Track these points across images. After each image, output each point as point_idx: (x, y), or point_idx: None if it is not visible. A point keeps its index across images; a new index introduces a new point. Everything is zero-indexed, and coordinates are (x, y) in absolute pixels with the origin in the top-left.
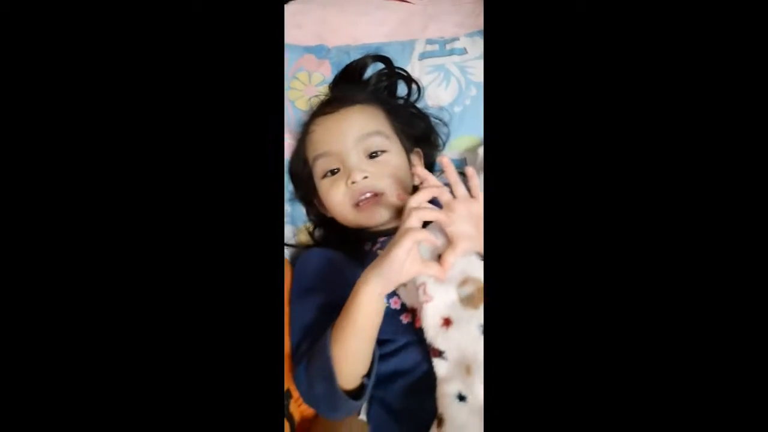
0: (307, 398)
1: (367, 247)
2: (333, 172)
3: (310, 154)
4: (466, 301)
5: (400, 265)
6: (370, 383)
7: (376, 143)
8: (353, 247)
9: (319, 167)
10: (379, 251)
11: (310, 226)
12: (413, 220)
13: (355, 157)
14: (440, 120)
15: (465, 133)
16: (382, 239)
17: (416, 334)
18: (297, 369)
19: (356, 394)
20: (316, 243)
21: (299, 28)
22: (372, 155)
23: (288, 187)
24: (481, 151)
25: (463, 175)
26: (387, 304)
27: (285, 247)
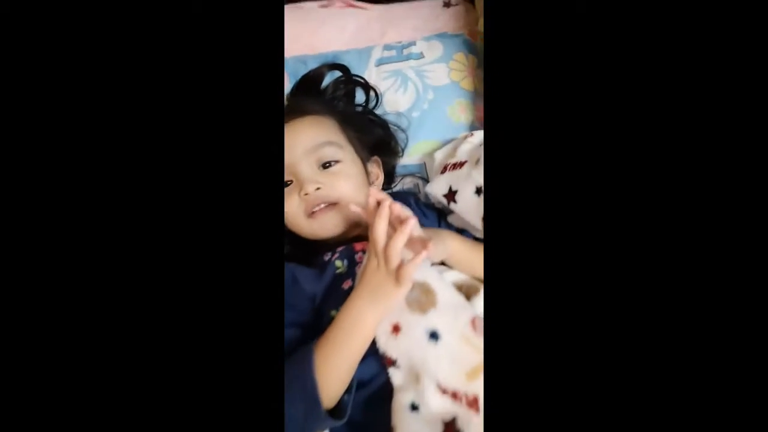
0: None
1: (327, 257)
2: (286, 184)
3: None
4: (414, 304)
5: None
6: (351, 399)
7: (329, 153)
8: (311, 258)
9: None
10: (337, 261)
11: None
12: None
13: (307, 169)
14: (398, 126)
15: (424, 138)
16: (339, 249)
17: (373, 343)
18: None
19: (336, 412)
20: None
21: None
22: (325, 165)
23: None
24: (438, 154)
25: (425, 179)
26: None
27: None
